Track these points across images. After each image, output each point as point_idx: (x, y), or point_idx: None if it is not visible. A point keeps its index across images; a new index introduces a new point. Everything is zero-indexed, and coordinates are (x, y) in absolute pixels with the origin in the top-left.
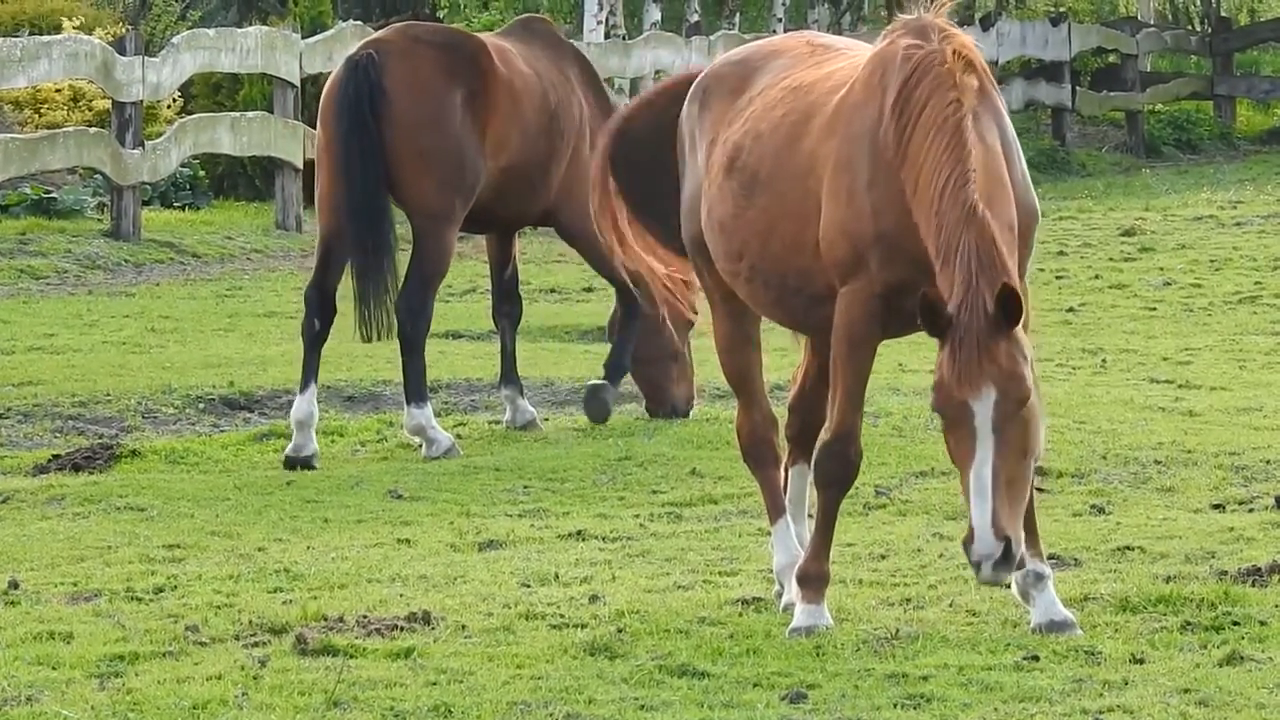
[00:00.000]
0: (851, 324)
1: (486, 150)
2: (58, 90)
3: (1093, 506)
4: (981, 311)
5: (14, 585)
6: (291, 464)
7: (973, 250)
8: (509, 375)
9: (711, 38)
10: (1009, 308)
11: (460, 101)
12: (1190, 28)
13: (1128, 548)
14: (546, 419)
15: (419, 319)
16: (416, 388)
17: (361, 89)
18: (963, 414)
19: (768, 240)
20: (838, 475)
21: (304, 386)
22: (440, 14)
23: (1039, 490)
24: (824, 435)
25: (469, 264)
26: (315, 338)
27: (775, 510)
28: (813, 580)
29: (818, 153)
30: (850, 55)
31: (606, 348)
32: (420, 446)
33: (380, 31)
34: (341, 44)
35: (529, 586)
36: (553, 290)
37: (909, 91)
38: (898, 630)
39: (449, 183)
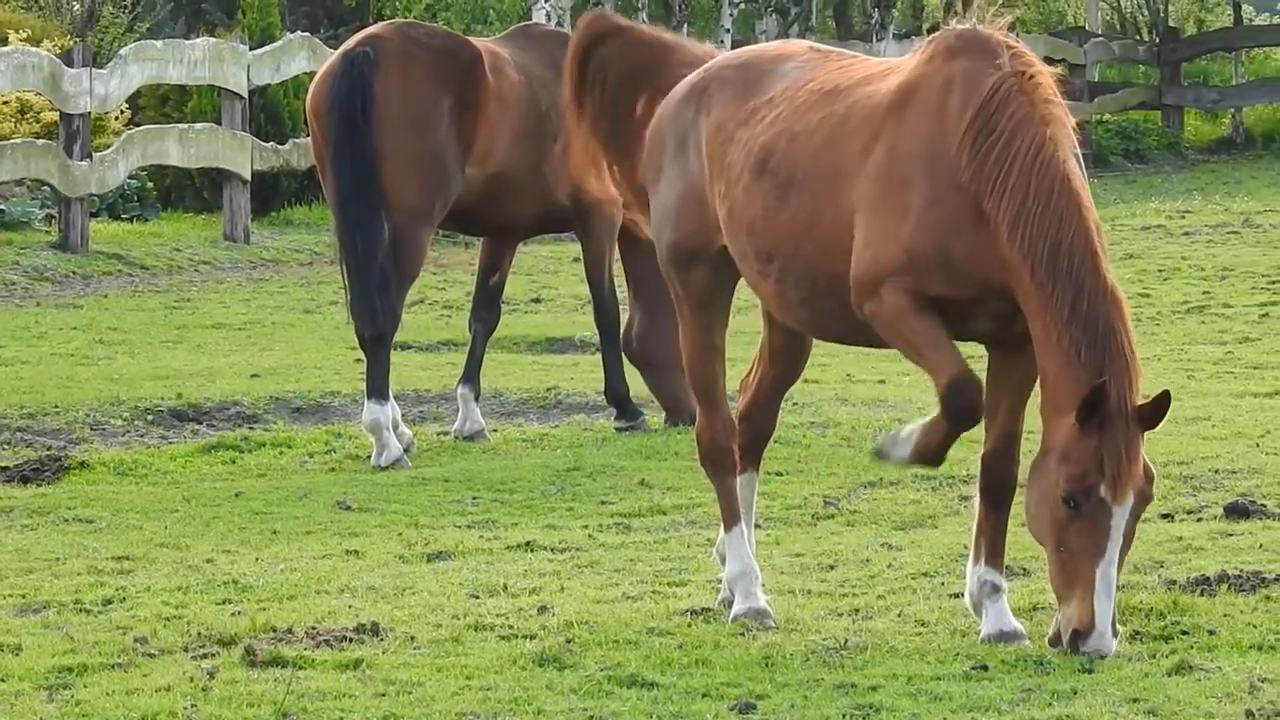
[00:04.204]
0: (900, 308)
1: (473, 158)
2: (5, 102)
3: None
4: (1130, 413)
5: None
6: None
7: (1119, 340)
8: (470, 376)
9: None
10: (1160, 414)
11: (448, 109)
12: (1138, 37)
13: None
14: (495, 430)
15: (388, 317)
16: (379, 385)
17: (356, 86)
18: (1101, 512)
19: (801, 242)
20: (964, 409)
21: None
22: None
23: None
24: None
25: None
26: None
27: (731, 517)
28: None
29: (861, 162)
30: (872, 61)
31: (554, 359)
32: (371, 451)
33: (378, 26)
34: (289, 55)
35: (478, 598)
36: (501, 301)
37: (985, 120)
38: (846, 640)
39: (429, 186)
